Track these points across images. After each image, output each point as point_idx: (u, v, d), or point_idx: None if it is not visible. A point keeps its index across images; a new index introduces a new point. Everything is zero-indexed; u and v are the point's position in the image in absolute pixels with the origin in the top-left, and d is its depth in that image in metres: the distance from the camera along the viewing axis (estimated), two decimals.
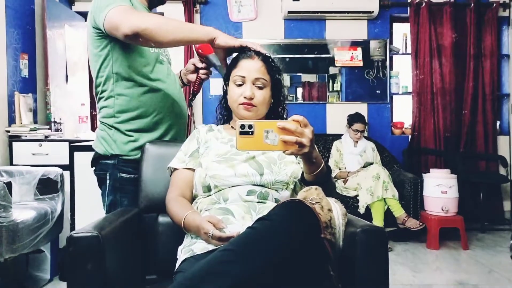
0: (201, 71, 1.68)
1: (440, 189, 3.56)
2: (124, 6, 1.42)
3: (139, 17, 1.39)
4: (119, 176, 1.58)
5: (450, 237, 3.68)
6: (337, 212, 1.10)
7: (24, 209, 2.43)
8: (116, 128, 1.58)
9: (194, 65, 1.71)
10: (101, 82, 1.57)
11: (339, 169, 3.92)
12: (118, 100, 1.57)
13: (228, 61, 1.48)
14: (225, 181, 1.28)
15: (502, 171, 4.50)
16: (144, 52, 1.58)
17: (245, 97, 1.35)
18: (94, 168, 1.67)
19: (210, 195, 1.31)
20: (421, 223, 3.46)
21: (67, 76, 3.91)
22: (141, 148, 1.57)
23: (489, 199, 4.37)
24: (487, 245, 3.63)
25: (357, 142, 3.94)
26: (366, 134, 4.15)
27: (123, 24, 1.37)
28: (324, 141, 4.20)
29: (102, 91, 1.59)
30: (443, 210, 3.53)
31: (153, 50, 1.62)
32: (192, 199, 1.38)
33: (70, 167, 2.52)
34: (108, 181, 1.59)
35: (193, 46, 1.61)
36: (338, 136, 4.10)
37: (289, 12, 4.29)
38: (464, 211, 3.73)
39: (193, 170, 1.38)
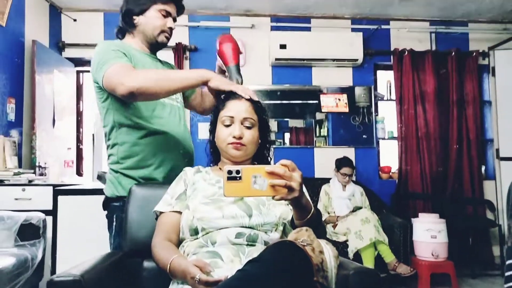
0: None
1: (429, 234, 3.53)
2: (120, 64, 1.47)
3: (132, 77, 1.44)
4: None
5: (441, 283, 3.60)
6: (328, 255, 1.07)
7: (3, 256, 2.33)
8: (121, 173, 1.63)
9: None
10: (107, 131, 1.65)
11: (328, 213, 3.88)
12: (121, 147, 1.63)
13: None
14: (212, 223, 1.25)
15: (489, 215, 4.49)
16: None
17: (234, 137, 1.35)
18: (106, 211, 1.70)
19: (197, 238, 1.27)
20: (412, 269, 3.40)
21: (54, 120, 3.89)
22: None
23: (478, 244, 4.33)
24: None
25: (345, 186, 3.93)
26: (354, 178, 4.15)
27: (118, 86, 1.43)
28: (312, 185, 4.18)
29: (109, 139, 1.66)
30: (433, 255, 3.48)
31: None
32: (179, 243, 1.34)
33: (53, 212, 2.49)
34: (114, 223, 1.62)
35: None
36: (326, 180, 4.09)
37: (276, 59, 4.40)
38: (454, 256, 3.69)
39: (180, 212, 1.35)
